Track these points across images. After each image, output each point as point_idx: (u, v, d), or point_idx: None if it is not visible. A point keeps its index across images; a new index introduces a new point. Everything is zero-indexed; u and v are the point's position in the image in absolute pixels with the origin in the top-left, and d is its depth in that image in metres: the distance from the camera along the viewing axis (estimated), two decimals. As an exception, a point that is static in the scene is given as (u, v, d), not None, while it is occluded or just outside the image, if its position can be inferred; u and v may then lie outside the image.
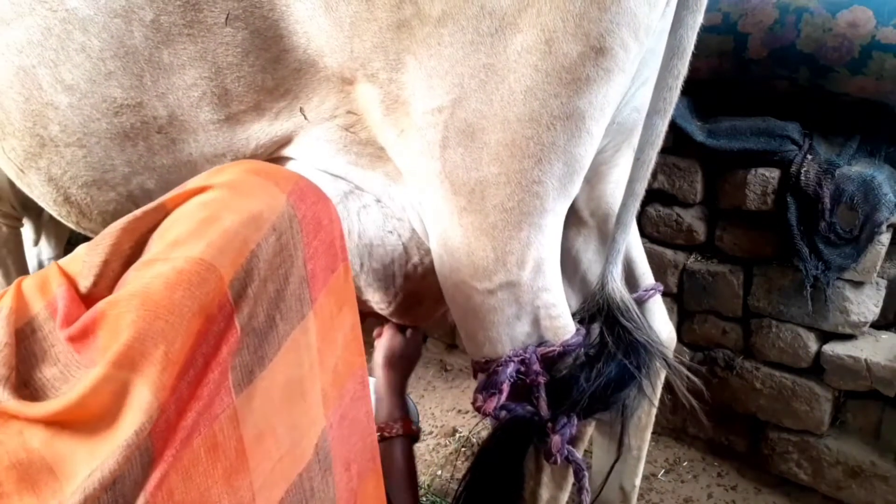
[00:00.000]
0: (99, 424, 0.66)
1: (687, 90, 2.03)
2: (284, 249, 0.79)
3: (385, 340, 1.52)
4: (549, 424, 1.15)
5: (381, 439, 1.31)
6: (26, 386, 0.70)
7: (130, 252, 0.77)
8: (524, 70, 0.96)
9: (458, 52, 0.97)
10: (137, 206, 1.28)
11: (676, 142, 2.07)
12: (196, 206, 0.78)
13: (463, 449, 2.39)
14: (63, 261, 0.80)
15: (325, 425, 0.86)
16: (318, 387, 0.85)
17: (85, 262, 0.77)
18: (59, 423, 0.66)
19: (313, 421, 0.84)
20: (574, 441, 1.19)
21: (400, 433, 1.33)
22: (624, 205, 1.22)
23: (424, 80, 1.01)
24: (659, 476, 2.27)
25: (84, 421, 0.66)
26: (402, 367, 1.48)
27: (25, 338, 0.73)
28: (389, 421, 1.35)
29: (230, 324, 0.73)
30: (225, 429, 0.72)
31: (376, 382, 1.46)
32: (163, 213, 0.79)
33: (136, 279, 0.71)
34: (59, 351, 0.72)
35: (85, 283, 0.76)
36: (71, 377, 0.70)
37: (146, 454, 0.66)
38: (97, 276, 0.76)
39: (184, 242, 0.73)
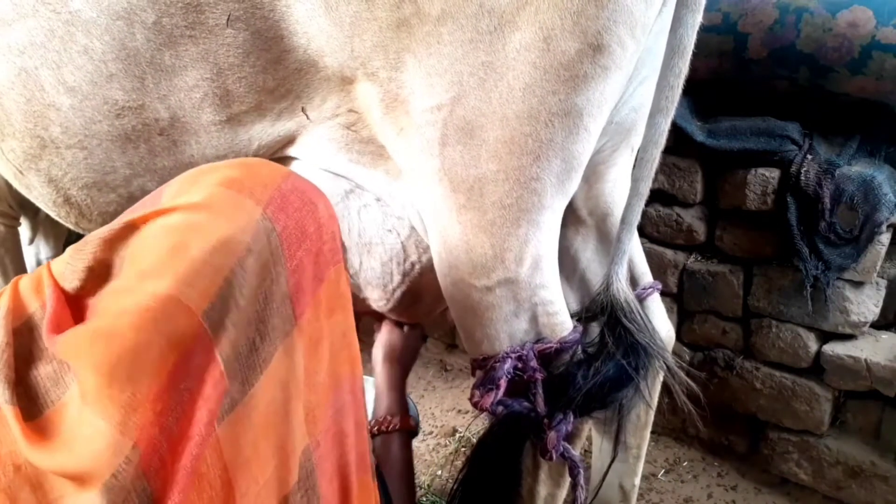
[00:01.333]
0: (77, 464, 0.65)
1: (687, 90, 2.03)
2: (263, 268, 0.76)
3: (384, 335, 1.51)
4: (546, 421, 1.15)
5: (379, 433, 1.32)
6: (21, 384, 0.70)
7: (112, 260, 0.75)
8: (523, 67, 0.97)
9: (458, 50, 0.98)
10: (138, 208, 1.31)
11: (676, 142, 2.07)
12: (162, 231, 0.74)
13: (463, 449, 2.39)
14: (53, 261, 0.80)
15: (307, 443, 0.84)
16: (302, 404, 0.83)
17: (69, 264, 0.76)
18: (49, 449, 0.66)
19: (297, 441, 0.82)
20: (570, 438, 1.19)
21: (397, 428, 1.33)
22: (629, 205, 1.22)
23: (424, 78, 1.02)
24: (659, 476, 2.27)
25: (62, 473, 0.66)
26: (401, 362, 1.48)
27: (22, 336, 0.73)
28: (387, 416, 1.35)
29: (211, 357, 0.71)
30: (208, 458, 0.71)
31: (376, 378, 1.47)
32: (132, 230, 0.75)
33: (104, 312, 0.69)
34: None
35: (70, 286, 0.75)
36: (61, 381, 0.70)
37: (144, 495, 0.65)
38: (83, 280, 0.75)
39: (151, 274, 0.70)
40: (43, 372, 0.71)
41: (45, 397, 0.70)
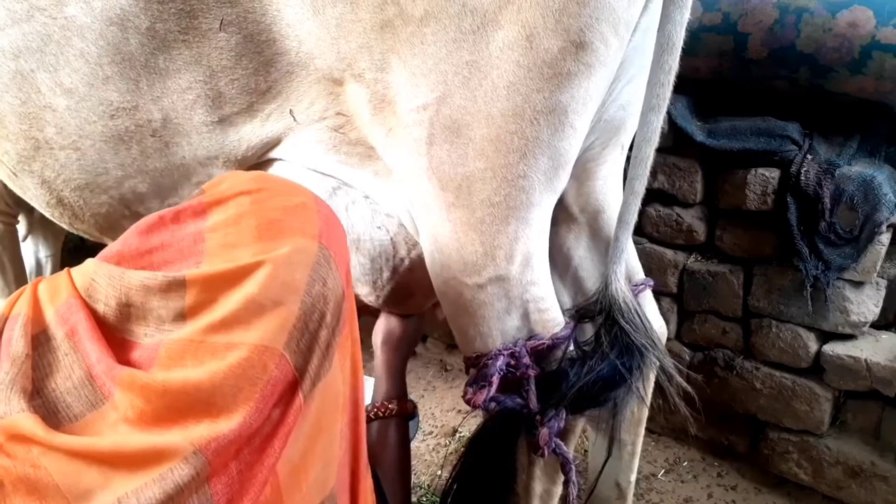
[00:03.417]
0: (123, 463, 0.66)
1: (687, 90, 2.04)
2: (330, 293, 0.81)
3: (383, 321, 1.52)
4: (538, 417, 1.16)
5: (377, 419, 1.34)
6: (39, 394, 0.71)
7: (149, 307, 0.77)
8: (506, 66, 0.98)
9: (441, 50, 0.99)
10: (129, 209, 1.34)
11: (676, 142, 2.08)
12: (225, 287, 0.76)
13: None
14: (74, 271, 0.81)
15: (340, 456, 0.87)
16: (340, 419, 0.86)
17: (98, 284, 0.77)
18: (73, 453, 0.66)
19: (336, 450, 0.85)
20: (563, 435, 1.20)
21: (395, 413, 1.35)
22: (625, 203, 1.22)
23: (409, 78, 1.03)
24: (659, 476, 2.27)
25: (104, 460, 0.66)
26: (400, 347, 1.49)
27: (40, 345, 0.74)
28: (385, 401, 1.36)
29: (295, 394, 0.75)
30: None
31: (375, 363, 1.48)
32: (181, 287, 0.76)
33: (191, 369, 0.71)
34: (72, 361, 0.73)
35: (99, 308, 0.77)
36: (84, 398, 0.71)
37: (204, 497, 0.66)
38: (114, 309, 0.77)
39: (224, 328, 0.73)
40: (62, 385, 0.72)
41: (65, 411, 0.71)
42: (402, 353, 1.49)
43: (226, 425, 0.68)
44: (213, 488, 0.67)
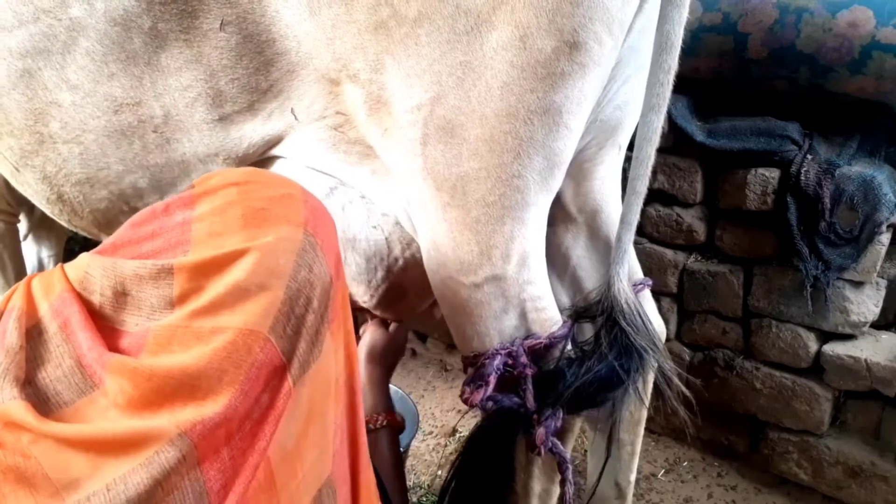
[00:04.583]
0: (110, 449, 0.66)
1: (687, 90, 2.04)
2: (316, 279, 0.81)
3: (368, 335, 1.54)
4: (535, 416, 1.16)
5: (368, 431, 1.34)
6: (30, 384, 0.72)
7: (142, 296, 0.78)
8: (500, 66, 0.98)
9: (435, 51, 1.00)
10: (128, 205, 1.34)
11: (676, 142, 2.08)
12: (208, 273, 0.77)
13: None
14: (67, 266, 0.82)
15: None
16: (333, 408, 0.86)
17: (92, 277, 0.78)
18: (62, 440, 0.66)
19: (330, 438, 0.85)
20: (560, 434, 1.20)
21: (384, 425, 1.35)
22: (627, 203, 1.22)
23: (403, 79, 1.04)
24: (659, 476, 2.27)
25: (91, 446, 0.66)
26: (384, 361, 1.50)
27: (32, 338, 0.75)
28: (374, 413, 1.37)
29: (283, 379, 0.75)
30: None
31: (361, 377, 1.49)
32: (168, 274, 0.77)
33: (178, 354, 0.72)
34: (63, 352, 0.74)
35: (94, 299, 0.78)
36: (73, 385, 0.72)
37: (199, 494, 0.67)
38: (109, 299, 0.77)
39: (210, 312, 0.74)
40: (52, 374, 0.73)
41: (56, 398, 0.71)
42: (386, 366, 1.51)
43: (211, 408, 0.69)
44: (206, 474, 0.67)
